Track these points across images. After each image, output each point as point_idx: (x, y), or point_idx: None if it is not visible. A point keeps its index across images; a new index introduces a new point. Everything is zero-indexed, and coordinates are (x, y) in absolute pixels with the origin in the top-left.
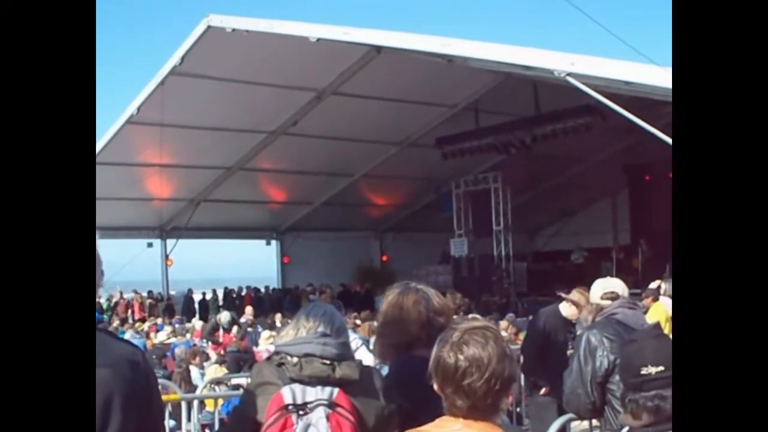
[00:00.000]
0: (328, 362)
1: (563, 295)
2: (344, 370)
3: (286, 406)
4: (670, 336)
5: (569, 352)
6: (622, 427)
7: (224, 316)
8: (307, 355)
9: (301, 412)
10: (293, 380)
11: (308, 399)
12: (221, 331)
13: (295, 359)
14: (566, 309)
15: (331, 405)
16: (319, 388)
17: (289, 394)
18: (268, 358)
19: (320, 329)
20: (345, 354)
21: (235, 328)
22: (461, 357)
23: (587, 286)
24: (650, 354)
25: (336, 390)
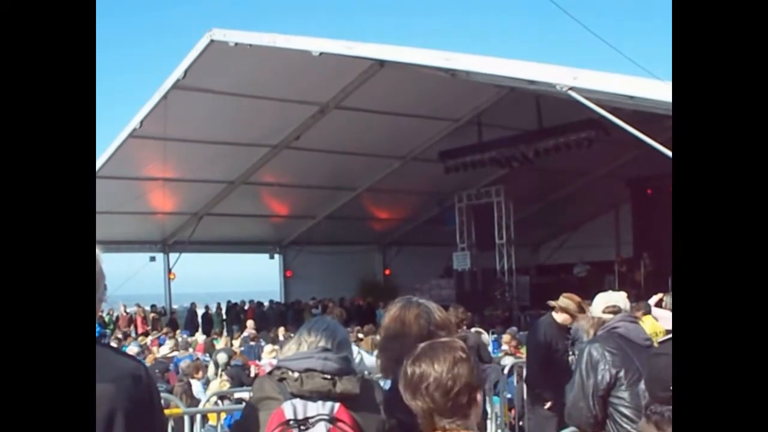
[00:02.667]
0: (329, 377)
1: (552, 303)
2: (345, 385)
3: (287, 421)
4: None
5: (571, 358)
6: None
7: (221, 357)
8: (308, 370)
9: (302, 428)
10: (294, 395)
11: (309, 414)
12: (219, 369)
13: (296, 374)
14: (559, 316)
15: (332, 420)
16: (320, 403)
17: (290, 409)
18: (269, 373)
19: (321, 344)
20: (346, 368)
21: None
22: (417, 365)
23: (590, 299)
24: None
25: (337, 405)
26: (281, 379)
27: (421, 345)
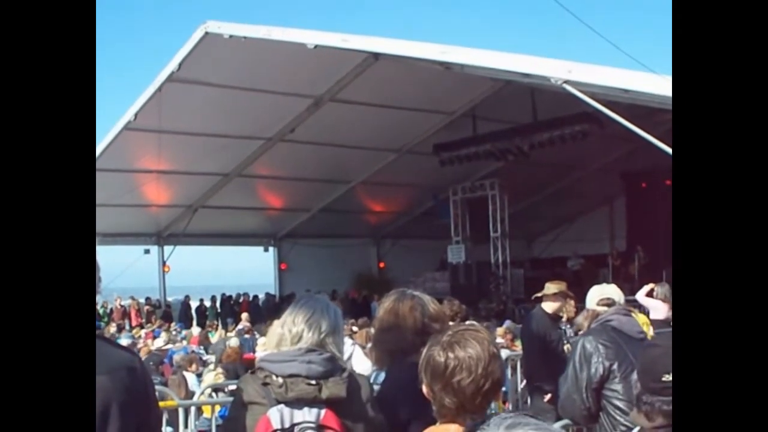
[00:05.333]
0: (313, 383)
1: (539, 294)
2: (331, 390)
3: (275, 431)
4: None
5: (566, 347)
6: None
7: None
8: (291, 375)
9: None
10: (279, 402)
11: (296, 421)
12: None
13: (280, 380)
14: (549, 306)
15: (319, 428)
16: (306, 409)
17: (277, 417)
18: (253, 372)
19: (305, 338)
20: (332, 370)
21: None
22: (451, 356)
23: (584, 292)
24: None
25: (323, 411)
26: (265, 384)
27: (450, 332)
